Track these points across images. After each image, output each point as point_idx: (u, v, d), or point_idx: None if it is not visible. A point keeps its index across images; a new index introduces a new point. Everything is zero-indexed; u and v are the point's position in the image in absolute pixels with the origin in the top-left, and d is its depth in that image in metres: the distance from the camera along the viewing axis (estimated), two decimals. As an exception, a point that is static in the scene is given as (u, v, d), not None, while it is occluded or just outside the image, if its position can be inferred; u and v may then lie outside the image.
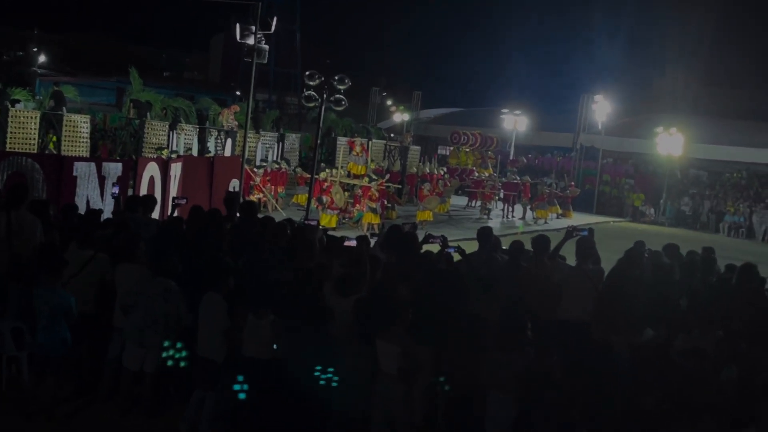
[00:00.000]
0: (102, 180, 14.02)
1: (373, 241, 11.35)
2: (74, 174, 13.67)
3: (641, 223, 36.64)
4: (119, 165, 14.77)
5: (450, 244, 9.50)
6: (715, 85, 51.41)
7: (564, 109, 46.54)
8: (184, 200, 11.38)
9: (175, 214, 11.25)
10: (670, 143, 36.82)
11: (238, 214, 11.36)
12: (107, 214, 11.56)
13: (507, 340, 6.80)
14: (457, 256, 9.45)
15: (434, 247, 9.93)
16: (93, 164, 14.13)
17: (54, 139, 23.43)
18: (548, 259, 8.92)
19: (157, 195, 14.68)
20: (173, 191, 15.81)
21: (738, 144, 38.55)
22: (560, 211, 32.02)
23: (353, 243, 9.58)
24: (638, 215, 38.21)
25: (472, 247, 9.99)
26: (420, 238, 9.98)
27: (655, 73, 54.17)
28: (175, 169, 16.39)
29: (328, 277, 8.34)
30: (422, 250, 9.77)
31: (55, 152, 22.39)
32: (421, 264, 9.00)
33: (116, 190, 12.40)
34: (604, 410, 6.70)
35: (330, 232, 13.62)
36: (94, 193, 13.85)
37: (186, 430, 7.69)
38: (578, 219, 31.03)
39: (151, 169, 15.41)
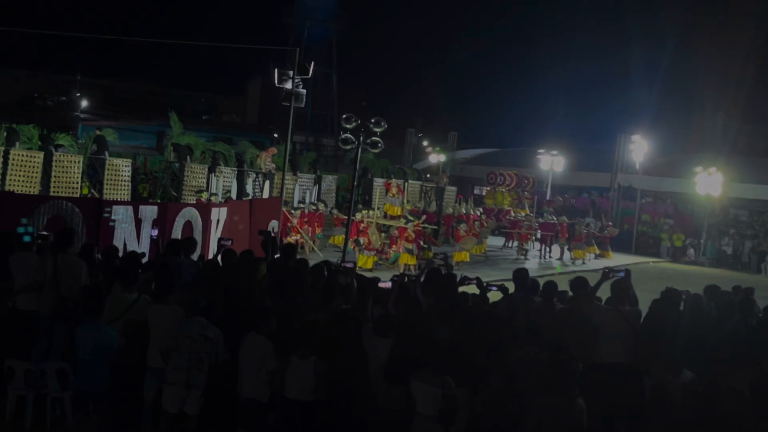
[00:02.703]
0: (138, 223, 14.23)
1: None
2: (112, 217, 13.91)
3: (681, 264, 36.23)
4: (155, 208, 14.98)
5: (492, 283, 9.54)
6: (754, 124, 51.04)
7: (601, 149, 46.45)
8: (230, 241, 11.55)
9: (219, 255, 11.41)
10: (710, 183, 36.48)
11: (277, 256, 11.49)
12: (144, 256, 11.76)
13: (554, 383, 6.78)
14: (498, 294, 9.48)
15: (471, 288, 9.97)
16: (130, 207, 14.37)
17: (87, 184, 23.82)
18: (586, 300, 8.91)
19: (197, 238, 14.84)
20: (215, 235, 15.99)
21: (778, 183, 38.13)
22: (598, 252, 31.78)
23: (388, 285, 9.63)
24: (678, 255, 37.79)
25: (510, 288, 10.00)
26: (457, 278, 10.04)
27: (693, 112, 53.94)
28: (218, 213, 16.58)
29: (365, 318, 8.40)
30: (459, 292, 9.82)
31: (96, 195, 22.77)
32: (460, 305, 9.04)
33: (155, 232, 12.58)
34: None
35: (366, 274, 13.66)
36: (130, 236, 14.05)
37: None
38: (617, 259, 30.82)
39: (186, 214, 15.56)
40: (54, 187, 21.66)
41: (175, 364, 7.81)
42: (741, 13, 52.84)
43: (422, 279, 9.95)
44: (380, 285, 9.61)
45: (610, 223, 35.59)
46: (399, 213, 26.05)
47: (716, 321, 9.09)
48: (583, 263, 30.04)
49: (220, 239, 12.77)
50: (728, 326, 8.57)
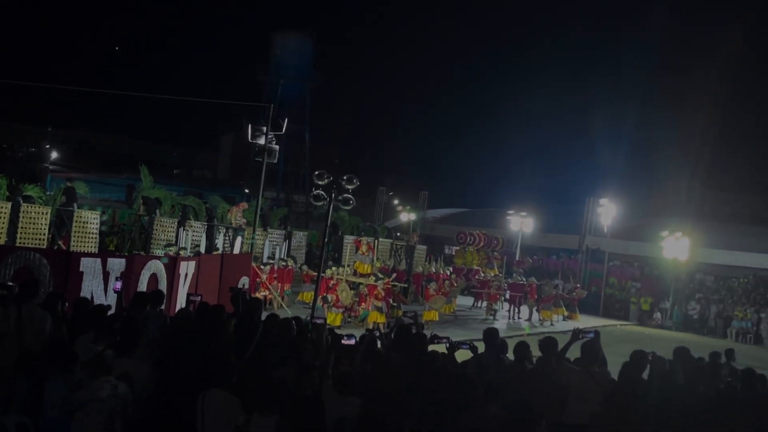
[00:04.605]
0: (106, 275, 14.12)
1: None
2: (80, 269, 13.80)
3: (648, 327, 36.38)
4: (123, 261, 14.88)
5: (462, 342, 9.51)
6: (720, 190, 51.87)
7: (569, 212, 46.89)
8: (199, 297, 11.46)
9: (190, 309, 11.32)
10: (676, 247, 36.87)
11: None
12: (110, 308, 11.63)
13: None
14: (467, 353, 9.43)
15: (441, 347, 9.92)
16: (99, 260, 14.26)
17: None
18: (555, 361, 8.91)
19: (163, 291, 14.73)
20: (182, 288, 15.86)
21: (744, 249, 38.63)
22: (566, 313, 31.86)
23: (352, 342, 9.55)
24: (645, 319, 37.95)
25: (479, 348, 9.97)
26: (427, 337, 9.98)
27: (660, 177, 54.74)
28: (186, 267, 16.48)
29: (327, 375, 8.30)
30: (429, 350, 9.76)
31: (63, 247, 22.53)
32: (429, 366, 8.98)
33: (119, 285, 12.45)
34: None
35: (335, 331, 13.57)
36: (98, 288, 13.94)
37: None
38: (585, 321, 30.85)
39: (152, 267, 15.48)
40: (20, 237, 21.42)
41: (82, 426, 7.45)
42: (704, 80, 54.08)
43: (392, 336, 9.90)
44: (343, 342, 9.54)
45: (578, 285, 35.75)
46: (369, 271, 26.00)
47: (685, 385, 9.10)
48: (551, 324, 30.06)
49: (189, 294, 12.69)
50: (697, 391, 8.60)
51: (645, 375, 9.22)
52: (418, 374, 8.56)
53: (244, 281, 18.64)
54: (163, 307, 11.63)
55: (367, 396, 7.69)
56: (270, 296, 24.20)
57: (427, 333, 10.61)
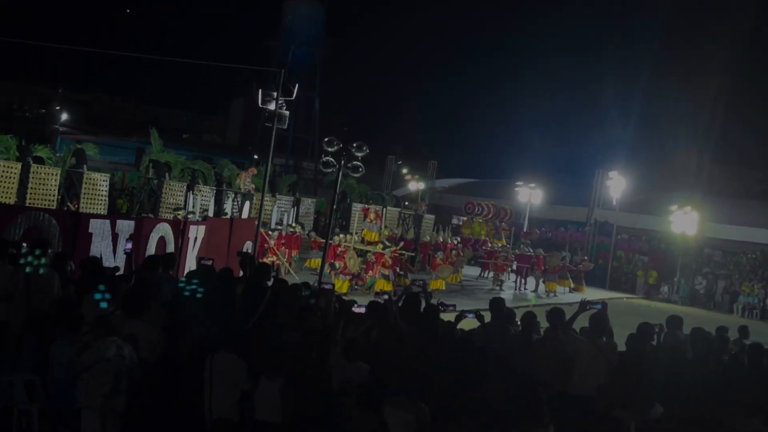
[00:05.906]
0: (115, 237, 14.15)
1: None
2: (89, 231, 13.83)
3: (655, 301, 36.35)
4: (132, 223, 14.91)
5: (469, 311, 9.52)
6: (728, 165, 51.63)
7: (578, 184, 46.76)
8: (211, 261, 11.46)
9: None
10: (685, 222, 36.72)
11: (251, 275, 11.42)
12: (118, 270, 11.65)
13: (524, 414, 6.74)
14: (474, 322, 9.44)
15: (447, 315, 9.93)
16: (108, 221, 14.29)
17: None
18: (562, 332, 8.91)
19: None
20: (192, 252, 15.90)
21: (752, 225, 38.53)
22: (573, 285, 31.86)
23: (362, 309, 9.58)
24: (652, 292, 37.91)
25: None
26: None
27: (669, 151, 54.45)
28: (196, 231, 16.51)
29: (335, 341, 8.33)
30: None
31: (73, 208, 22.56)
32: (438, 334, 8.99)
33: (129, 246, 12.47)
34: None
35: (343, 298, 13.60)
36: (107, 249, 13.98)
37: None
38: (591, 294, 30.74)
39: (161, 230, 15.53)
40: (30, 198, 21.46)
41: (87, 387, 7.44)
42: (715, 54, 53.59)
43: (400, 304, 9.90)
44: (354, 309, 9.56)
45: (586, 258, 35.73)
46: (376, 239, 26.01)
47: (692, 358, 9.11)
48: (555, 295, 30.08)
49: (201, 258, 12.69)
50: (704, 364, 8.61)
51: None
52: (428, 344, 8.56)
53: (248, 245, 18.67)
54: (172, 272, 11.69)
55: (375, 362, 7.72)
56: (277, 262, 24.24)
57: (434, 301, 10.62)
